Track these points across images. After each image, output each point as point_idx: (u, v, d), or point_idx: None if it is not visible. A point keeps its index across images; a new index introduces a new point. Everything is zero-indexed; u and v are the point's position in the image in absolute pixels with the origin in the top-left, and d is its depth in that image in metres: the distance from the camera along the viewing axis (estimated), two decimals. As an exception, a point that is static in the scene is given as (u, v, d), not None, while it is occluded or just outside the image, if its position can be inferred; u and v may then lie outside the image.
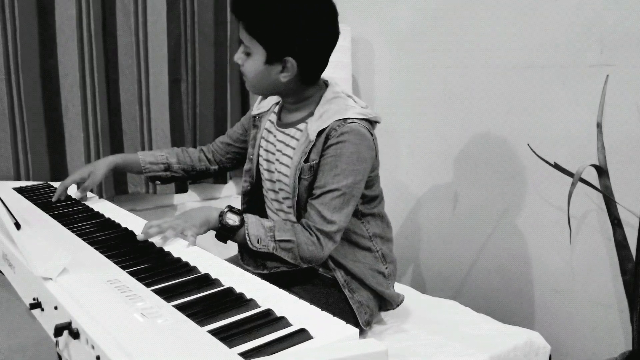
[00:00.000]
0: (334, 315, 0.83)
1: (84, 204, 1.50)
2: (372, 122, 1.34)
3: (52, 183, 1.76)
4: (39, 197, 1.57)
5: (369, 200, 1.39)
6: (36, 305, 0.97)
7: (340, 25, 1.28)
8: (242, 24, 1.27)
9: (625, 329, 1.61)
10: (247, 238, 1.24)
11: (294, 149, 1.34)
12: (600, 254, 1.64)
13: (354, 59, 2.20)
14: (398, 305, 1.47)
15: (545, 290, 1.79)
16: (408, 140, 2.16)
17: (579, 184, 1.41)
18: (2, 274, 1.19)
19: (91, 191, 1.58)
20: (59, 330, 0.82)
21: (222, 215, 1.25)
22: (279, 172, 1.37)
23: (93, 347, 0.75)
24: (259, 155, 1.45)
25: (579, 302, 1.71)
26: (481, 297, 1.97)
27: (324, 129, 1.28)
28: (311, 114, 1.34)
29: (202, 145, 1.65)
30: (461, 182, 2.00)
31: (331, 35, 1.30)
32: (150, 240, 1.18)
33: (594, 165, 1.47)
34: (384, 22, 2.17)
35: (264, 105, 1.49)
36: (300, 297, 0.90)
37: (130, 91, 2.00)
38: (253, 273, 1.03)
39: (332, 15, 1.28)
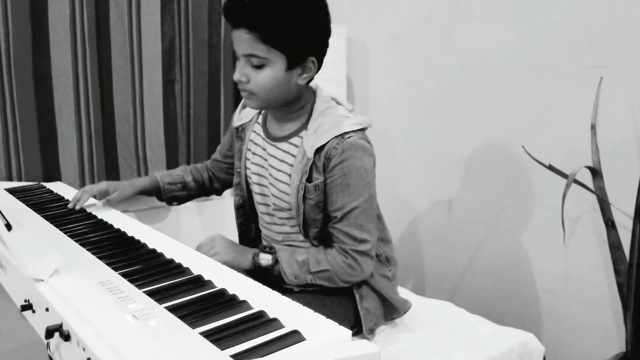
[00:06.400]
0: (341, 321, 0.82)
1: (77, 205, 1.49)
2: (364, 128, 1.32)
3: (44, 184, 1.75)
4: (31, 198, 1.56)
5: None
6: (27, 307, 0.96)
7: (335, 26, 1.27)
8: (257, 35, 1.17)
9: (619, 330, 1.61)
10: (284, 277, 1.26)
11: (291, 165, 1.30)
12: (594, 256, 1.64)
13: (349, 60, 2.20)
14: (405, 312, 1.44)
15: (540, 292, 1.79)
16: (403, 142, 2.16)
17: (573, 185, 1.41)
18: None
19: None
20: (50, 333, 0.81)
21: (255, 257, 1.29)
22: (275, 187, 1.33)
23: (84, 350, 0.75)
24: (246, 168, 1.42)
25: (573, 303, 1.71)
26: (476, 298, 1.97)
27: (322, 147, 1.24)
28: (303, 127, 1.29)
29: (207, 160, 1.64)
30: (456, 184, 2.00)
31: (329, 25, 1.25)
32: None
33: (588, 167, 1.48)
34: (380, 23, 2.17)
35: (245, 116, 1.45)
36: (308, 302, 0.89)
37: (123, 92, 1.99)
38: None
39: (325, 5, 1.25)
